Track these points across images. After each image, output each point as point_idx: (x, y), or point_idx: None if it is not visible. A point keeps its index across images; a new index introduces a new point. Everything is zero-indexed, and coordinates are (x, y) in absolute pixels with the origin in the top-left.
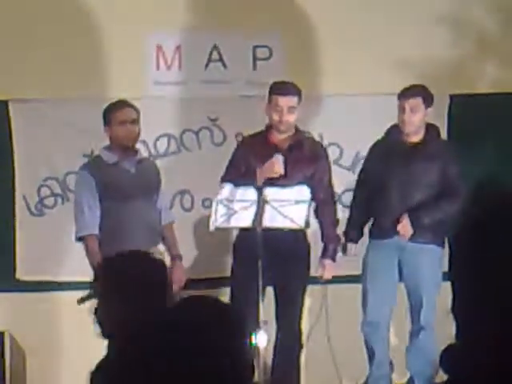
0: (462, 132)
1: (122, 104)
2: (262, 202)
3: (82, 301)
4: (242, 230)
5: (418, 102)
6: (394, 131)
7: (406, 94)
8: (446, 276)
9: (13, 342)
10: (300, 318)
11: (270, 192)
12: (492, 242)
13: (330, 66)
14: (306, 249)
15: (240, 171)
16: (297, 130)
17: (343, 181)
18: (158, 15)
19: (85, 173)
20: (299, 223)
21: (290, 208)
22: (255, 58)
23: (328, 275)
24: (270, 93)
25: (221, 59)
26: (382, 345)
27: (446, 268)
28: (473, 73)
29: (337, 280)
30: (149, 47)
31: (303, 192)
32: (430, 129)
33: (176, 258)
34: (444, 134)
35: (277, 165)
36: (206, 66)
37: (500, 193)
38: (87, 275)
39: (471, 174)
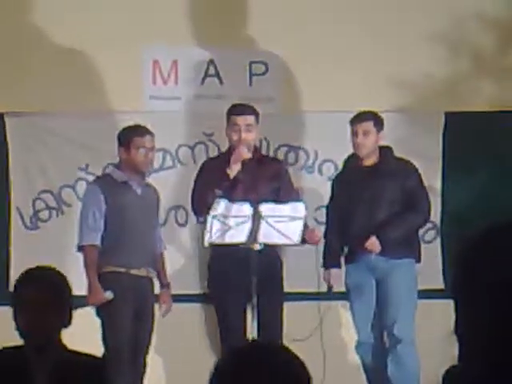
0: (457, 150)
1: (144, 130)
2: (257, 218)
3: None
4: (216, 248)
5: (369, 125)
6: (351, 160)
7: (357, 118)
8: (449, 294)
9: None
10: (282, 334)
11: (266, 208)
12: (495, 260)
13: (325, 83)
14: (280, 265)
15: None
16: (256, 148)
17: None
18: (155, 30)
19: (95, 186)
20: (294, 240)
21: (285, 224)
22: (251, 74)
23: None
24: (228, 114)
25: (217, 74)
26: (377, 363)
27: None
28: (468, 90)
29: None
30: (145, 62)
31: (298, 208)
32: (383, 150)
33: (165, 285)
34: (439, 152)
35: (243, 152)
36: (202, 81)
37: (497, 211)
38: (82, 289)
39: (466, 192)
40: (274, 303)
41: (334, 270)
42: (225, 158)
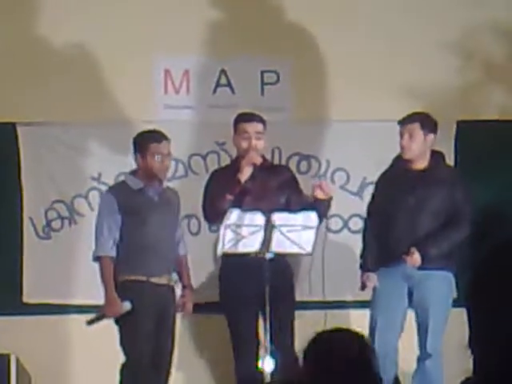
0: (468, 158)
1: (160, 136)
2: (269, 228)
3: (91, 322)
4: (226, 258)
5: (415, 127)
6: (399, 160)
7: (404, 120)
8: (461, 303)
9: (18, 365)
10: (293, 343)
11: (278, 217)
12: (503, 274)
13: (337, 92)
14: (291, 274)
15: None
16: (264, 158)
17: (350, 206)
18: (166, 40)
19: (109, 195)
20: (307, 249)
21: (297, 234)
22: (263, 83)
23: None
24: (236, 123)
25: (229, 84)
26: (391, 373)
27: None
28: (480, 99)
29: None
30: (157, 71)
31: (311, 218)
32: (435, 155)
33: (188, 287)
34: (451, 161)
35: (254, 156)
36: (214, 90)
37: (509, 219)
38: (94, 298)
39: (478, 201)
40: (286, 312)
41: (371, 274)
42: (233, 167)
